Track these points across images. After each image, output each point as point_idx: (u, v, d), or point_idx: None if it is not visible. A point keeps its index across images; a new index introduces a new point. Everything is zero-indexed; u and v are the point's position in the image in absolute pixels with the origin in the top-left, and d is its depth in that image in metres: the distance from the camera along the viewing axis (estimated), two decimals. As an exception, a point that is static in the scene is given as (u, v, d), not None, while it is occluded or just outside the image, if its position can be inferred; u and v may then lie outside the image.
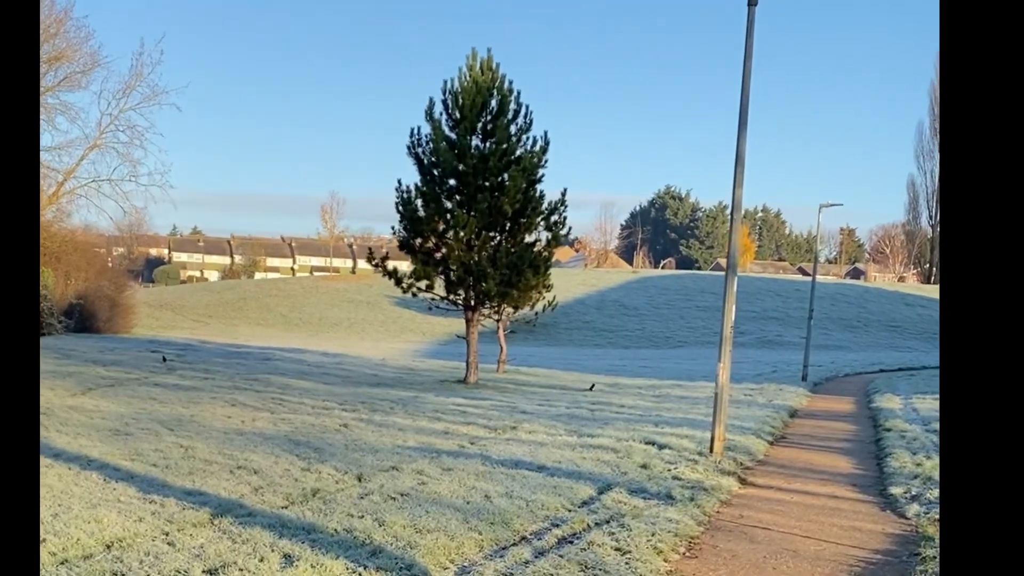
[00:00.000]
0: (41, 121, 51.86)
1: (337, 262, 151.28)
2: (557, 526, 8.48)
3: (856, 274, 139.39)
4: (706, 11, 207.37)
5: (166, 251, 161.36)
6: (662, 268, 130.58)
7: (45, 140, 60.13)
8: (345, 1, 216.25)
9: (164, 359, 28.97)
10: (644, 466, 11.87)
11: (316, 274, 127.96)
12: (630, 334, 67.03)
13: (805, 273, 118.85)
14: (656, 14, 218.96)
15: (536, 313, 31.67)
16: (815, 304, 39.89)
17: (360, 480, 10.19)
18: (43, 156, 52.03)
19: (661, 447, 13.68)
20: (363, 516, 8.28)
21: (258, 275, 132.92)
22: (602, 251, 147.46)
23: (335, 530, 7.80)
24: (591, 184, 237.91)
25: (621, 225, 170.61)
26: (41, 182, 53.39)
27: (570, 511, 9.15)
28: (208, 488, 9.45)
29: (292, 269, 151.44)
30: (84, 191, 53.92)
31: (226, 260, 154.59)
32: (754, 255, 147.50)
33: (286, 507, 8.73)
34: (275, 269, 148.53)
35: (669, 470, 11.71)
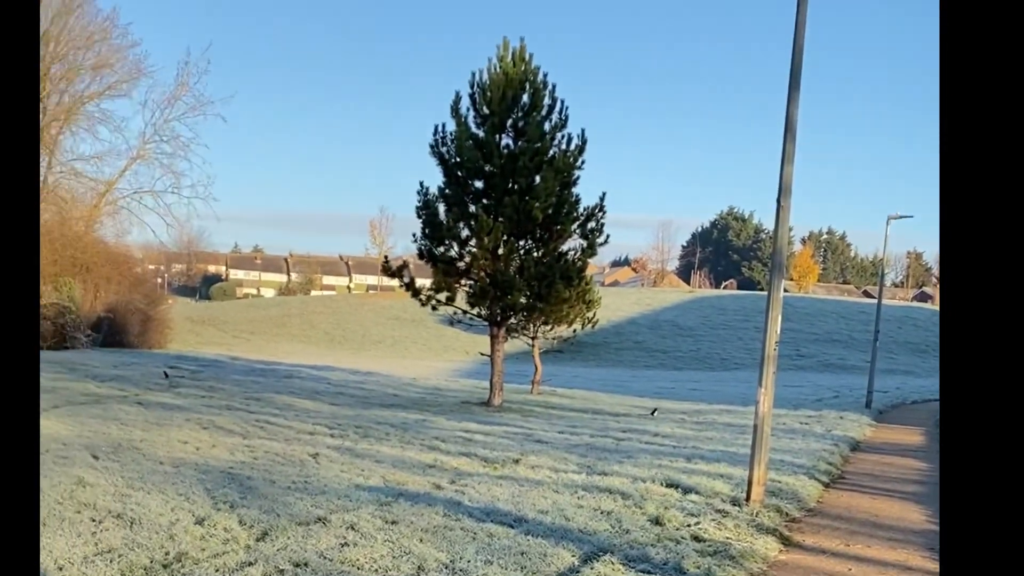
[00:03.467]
0: (82, 130, 51.10)
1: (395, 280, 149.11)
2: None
3: (923, 297, 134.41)
4: (767, 26, 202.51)
5: (224, 268, 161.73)
6: (723, 289, 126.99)
7: (85, 149, 59.37)
8: (387, 11, 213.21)
9: (166, 375, 27.07)
10: (656, 520, 9.20)
11: (370, 292, 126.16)
12: (683, 355, 64.10)
13: (870, 296, 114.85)
14: (717, 29, 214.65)
15: (574, 331, 29.32)
16: (881, 326, 36.81)
17: (262, 539, 7.64)
18: (83, 166, 51.16)
19: (686, 491, 11.00)
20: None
21: (314, 293, 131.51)
22: (659, 271, 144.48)
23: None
24: (650, 206, 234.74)
25: (682, 246, 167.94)
26: (82, 193, 52.54)
27: (530, 594, 6.57)
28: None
29: (348, 287, 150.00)
30: (126, 203, 52.94)
31: (283, 278, 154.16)
32: (817, 277, 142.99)
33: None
34: (331, 287, 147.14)
35: (689, 525, 9.04)
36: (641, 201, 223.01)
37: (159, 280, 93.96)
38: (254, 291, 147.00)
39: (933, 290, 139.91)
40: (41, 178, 49.79)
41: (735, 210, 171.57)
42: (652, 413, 24.14)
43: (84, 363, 30.10)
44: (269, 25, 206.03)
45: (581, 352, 56.96)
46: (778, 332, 10.89)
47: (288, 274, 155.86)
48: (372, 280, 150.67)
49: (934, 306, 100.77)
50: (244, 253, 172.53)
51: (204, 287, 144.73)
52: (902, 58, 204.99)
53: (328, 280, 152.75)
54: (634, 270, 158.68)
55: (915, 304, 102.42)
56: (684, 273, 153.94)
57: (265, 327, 76.57)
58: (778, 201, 10.81)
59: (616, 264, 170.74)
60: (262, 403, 21.47)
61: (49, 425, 14.60)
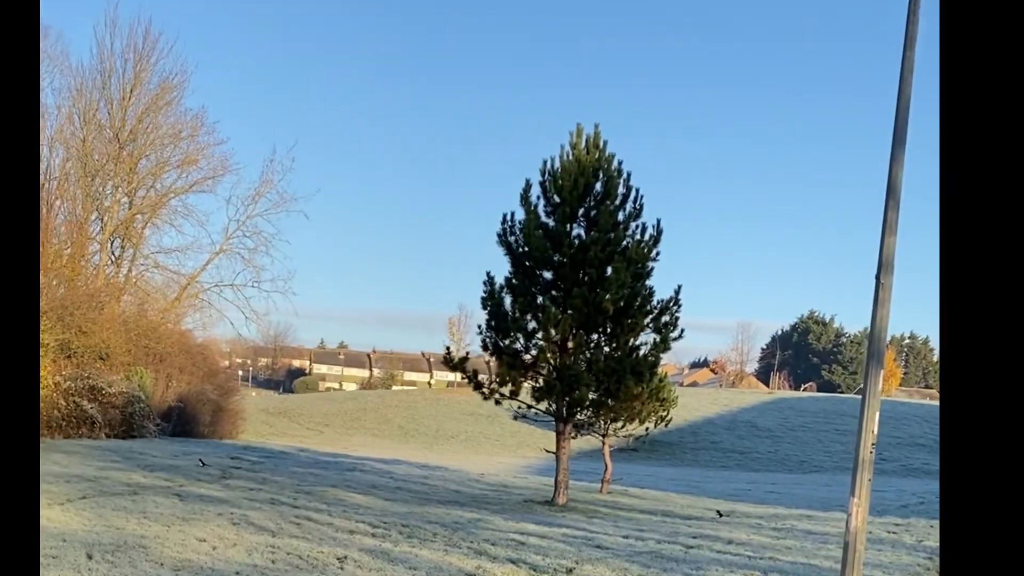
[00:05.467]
0: (166, 224, 51.75)
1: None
2: None
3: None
4: (853, 118, 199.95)
5: (308, 363, 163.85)
6: (803, 391, 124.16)
7: (168, 242, 60.04)
8: (477, 110, 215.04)
9: (202, 463, 26.55)
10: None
11: (449, 388, 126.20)
12: (761, 456, 62.22)
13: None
14: (797, 126, 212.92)
15: (647, 429, 27.92)
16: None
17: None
18: (166, 259, 51.87)
19: (759, 613, 9.59)
20: None
21: (395, 388, 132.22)
22: (738, 373, 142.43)
23: None
24: (730, 310, 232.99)
25: (761, 349, 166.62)
26: (164, 285, 52.87)
27: None
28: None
29: (429, 383, 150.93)
30: (207, 295, 53.44)
31: (366, 373, 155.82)
32: (899, 381, 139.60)
33: None
34: (412, 383, 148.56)
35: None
36: (720, 305, 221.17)
37: (241, 373, 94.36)
38: (336, 385, 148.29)
39: None
40: (125, 270, 50.53)
41: (816, 314, 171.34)
42: (719, 515, 22.55)
43: (143, 452, 29.47)
44: (353, 124, 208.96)
45: (656, 451, 55.28)
46: (875, 432, 9.47)
47: (370, 369, 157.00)
48: (452, 376, 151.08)
49: None
50: (328, 349, 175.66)
51: (288, 381, 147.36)
52: None
53: (410, 376, 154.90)
54: (713, 371, 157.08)
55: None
56: (763, 375, 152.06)
57: (339, 420, 76.23)
58: (877, 278, 9.36)
59: (695, 366, 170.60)
60: (311, 497, 20.38)
61: (61, 518, 13.60)
